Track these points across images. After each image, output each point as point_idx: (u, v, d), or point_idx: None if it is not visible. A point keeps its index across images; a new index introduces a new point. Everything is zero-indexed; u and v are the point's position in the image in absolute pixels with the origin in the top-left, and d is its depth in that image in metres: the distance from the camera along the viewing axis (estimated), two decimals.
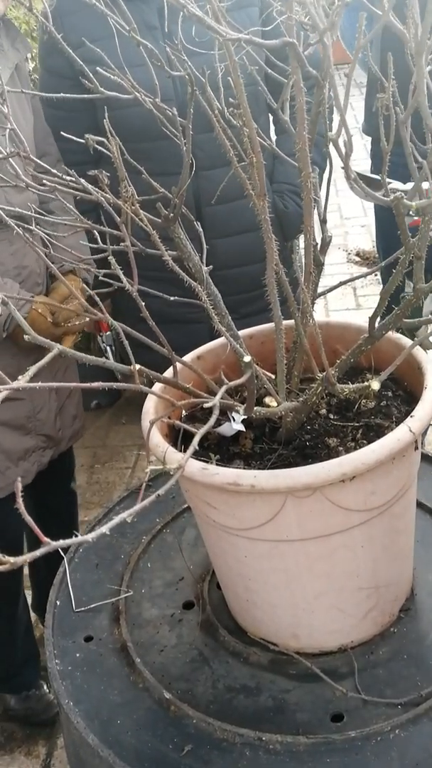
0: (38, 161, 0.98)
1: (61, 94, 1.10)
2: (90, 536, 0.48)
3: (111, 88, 1.01)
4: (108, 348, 2.29)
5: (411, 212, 1.28)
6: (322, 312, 4.44)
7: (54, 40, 1.02)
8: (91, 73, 1.01)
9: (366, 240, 5.11)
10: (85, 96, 1.03)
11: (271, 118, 2.15)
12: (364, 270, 4.22)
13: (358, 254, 5.07)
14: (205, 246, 1.10)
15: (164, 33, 1.90)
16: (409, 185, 0.89)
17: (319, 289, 1.16)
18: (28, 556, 0.46)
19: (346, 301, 4.53)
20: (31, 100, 1.92)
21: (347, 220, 5.56)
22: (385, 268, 1.33)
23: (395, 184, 1.21)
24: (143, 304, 0.90)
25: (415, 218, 1.27)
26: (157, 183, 1.03)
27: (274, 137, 2.15)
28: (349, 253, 5.11)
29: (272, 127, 2.20)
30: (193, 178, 2.01)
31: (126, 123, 1.70)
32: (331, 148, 0.88)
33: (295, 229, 2.27)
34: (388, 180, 1.10)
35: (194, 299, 1.02)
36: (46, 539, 0.45)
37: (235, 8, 1.94)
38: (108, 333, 2.25)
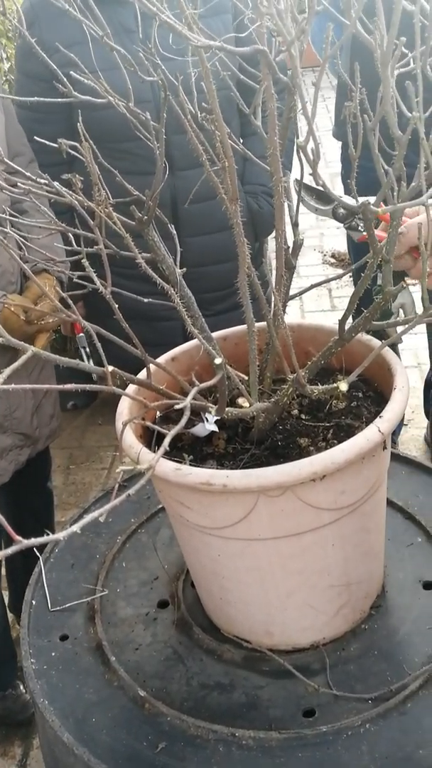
0: (9, 162, 0.99)
1: (37, 98, 1.11)
2: (61, 535, 0.49)
3: (87, 90, 1.01)
4: (82, 350, 2.29)
5: (360, 228, 1.31)
6: (297, 313, 4.47)
7: (30, 43, 1.03)
8: (67, 77, 1.02)
9: (341, 242, 5.14)
10: (62, 100, 1.04)
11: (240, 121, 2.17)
12: (340, 271, 4.25)
13: (333, 256, 5.11)
14: (179, 248, 1.11)
15: (141, 36, 1.91)
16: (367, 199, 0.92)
17: (294, 291, 1.17)
18: None
19: (322, 302, 4.56)
20: (2, 100, 1.92)
21: (323, 222, 5.59)
22: (356, 270, 1.35)
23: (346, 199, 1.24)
24: (116, 306, 0.91)
25: (363, 233, 1.28)
26: (136, 182, 1.04)
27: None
28: (325, 255, 5.15)
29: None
30: (170, 178, 2.03)
31: (105, 124, 1.70)
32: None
33: (268, 229, 2.29)
34: (341, 195, 1.12)
35: (168, 300, 1.03)
36: (17, 537, 0.46)
37: (210, 15, 1.96)
38: (81, 335, 2.26)
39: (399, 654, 1.16)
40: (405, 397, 1.07)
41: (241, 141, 2.09)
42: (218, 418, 1.09)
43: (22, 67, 2.12)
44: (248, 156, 1.19)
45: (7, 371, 0.72)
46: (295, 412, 1.17)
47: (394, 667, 1.14)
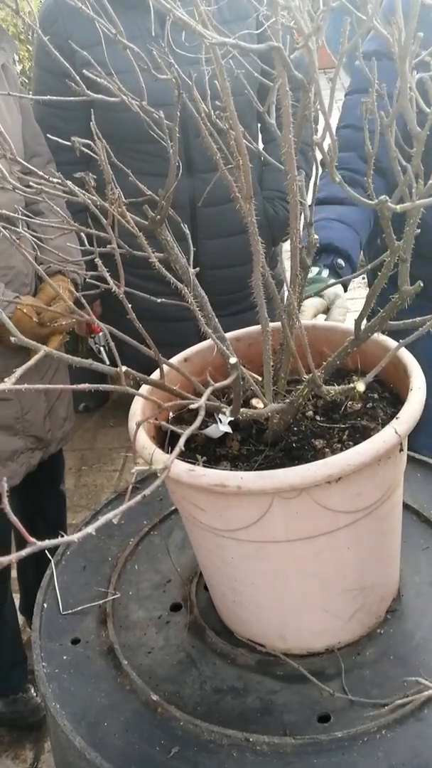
0: (24, 163, 0.98)
1: (53, 98, 1.10)
2: (75, 536, 0.48)
3: (107, 91, 1.00)
4: (102, 349, 2.29)
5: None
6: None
7: (52, 38, 1.02)
8: (88, 76, 1.01)
9: None
10: (81, 98, 1.03)
11: (259, 126, 2.16)
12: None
13: None
14: (192, 248, 1.10)
15: (166, 41, 1.91)
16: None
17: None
18: (13, 556, 0.46)
19: None
20: (19, 100, 1.92)
21: None
22: (371, 270, 1.34)
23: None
24: (130, 306, 0.90)
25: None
26: (156, 183, 1.03)
27: (261, 146, 2.17)
28: None
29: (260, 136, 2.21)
30: (190, 180, 2.03)
31: (126, 125, 1.70)
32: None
33: (283, 234, 2.29)
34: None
35: (182, 300, 1.03)
36: (32, 539, 0.45)
37: (234, 19, 1.96)
38: (101, 333, 2.25)
39: (415, 659, 1.15)
40: (422, 398, 1.05)
41: (262, 147, 2.08)
42: (232, 419, 1.08)
43: (42, 63, 2.10)
44: (267, 160, 1.18)
45: (20, 371, 0.71)
46: (310, 413, 1.16)
47: (411, 673, 1.12)
